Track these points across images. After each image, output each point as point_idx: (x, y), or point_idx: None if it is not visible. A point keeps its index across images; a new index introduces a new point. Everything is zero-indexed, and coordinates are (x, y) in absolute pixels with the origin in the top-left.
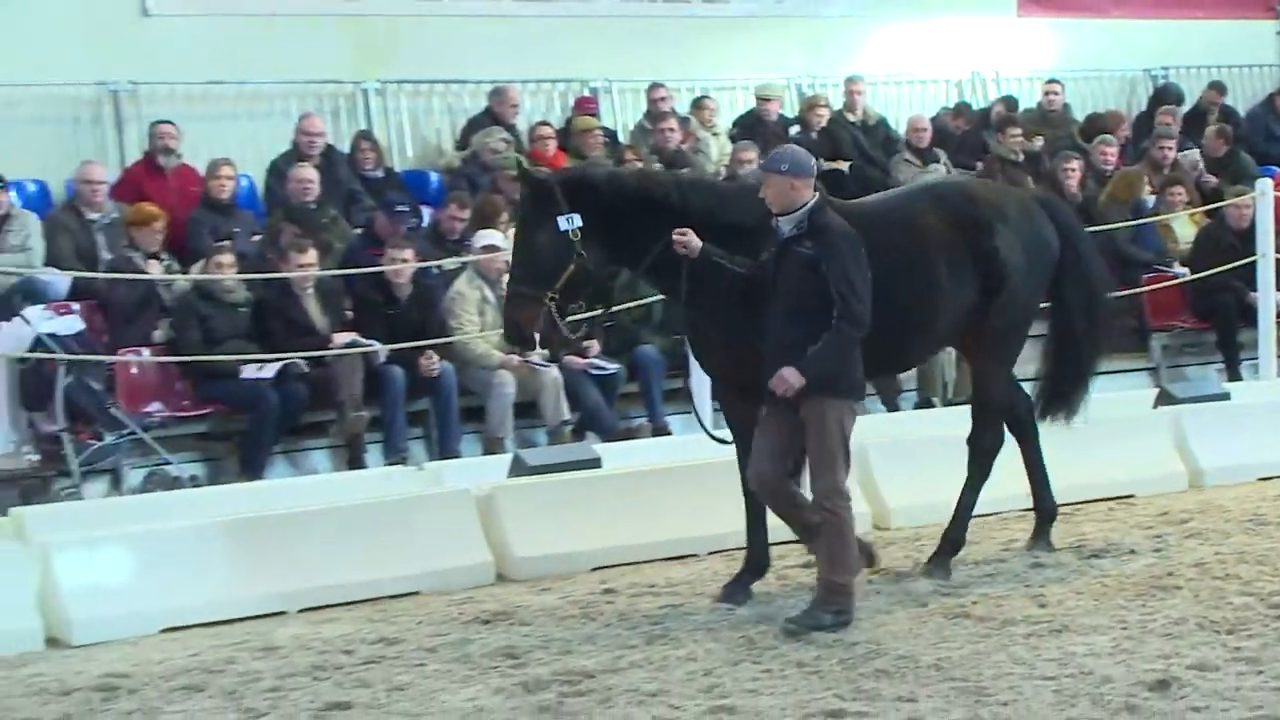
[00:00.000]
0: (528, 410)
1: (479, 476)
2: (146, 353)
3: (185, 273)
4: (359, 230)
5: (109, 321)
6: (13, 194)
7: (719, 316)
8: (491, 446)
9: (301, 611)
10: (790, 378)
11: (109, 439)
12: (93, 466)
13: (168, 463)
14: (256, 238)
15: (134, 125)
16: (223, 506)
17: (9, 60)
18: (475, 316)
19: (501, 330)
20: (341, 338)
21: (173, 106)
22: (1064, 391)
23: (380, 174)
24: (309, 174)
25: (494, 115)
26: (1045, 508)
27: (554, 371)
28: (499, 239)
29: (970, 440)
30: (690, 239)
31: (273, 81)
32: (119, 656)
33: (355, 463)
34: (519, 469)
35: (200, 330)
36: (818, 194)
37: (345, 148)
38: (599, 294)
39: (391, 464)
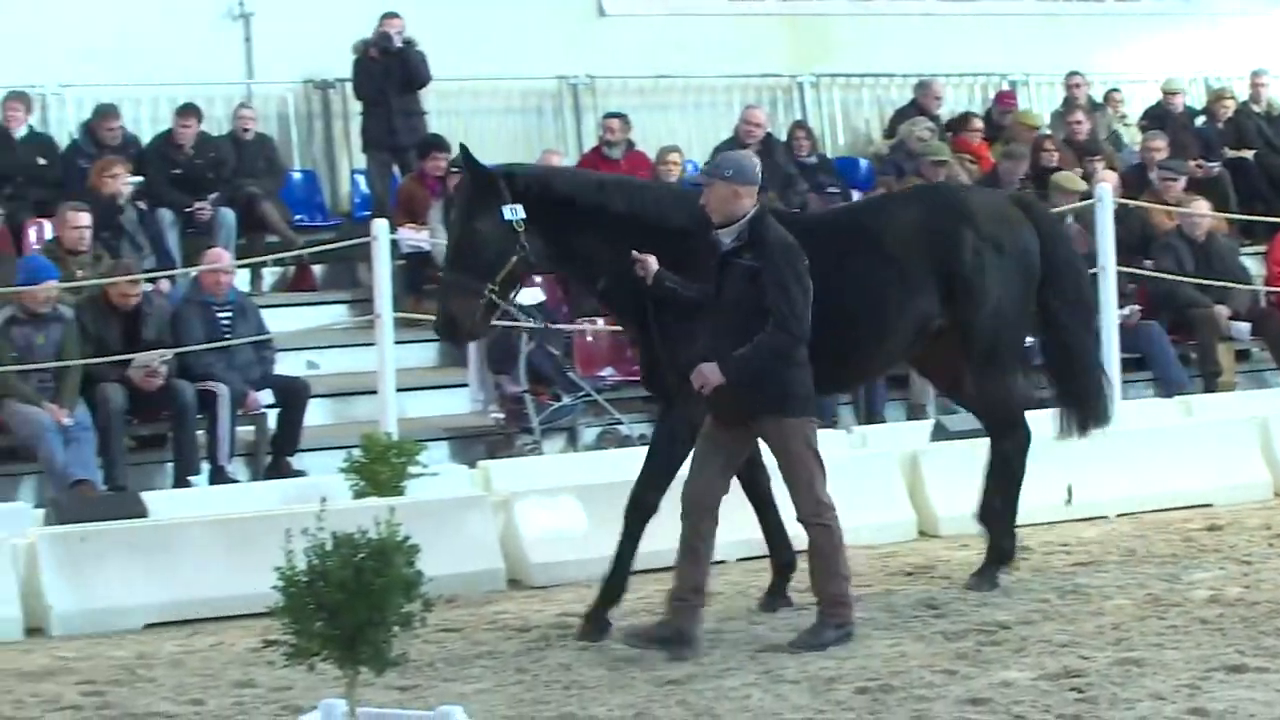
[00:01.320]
0: None
1: (903, 440)
2: (601, 322)
3: None
4: (795, 212)
5: (568, 294)
6: None
7: (670, 336)
8: (915, 413)
9: (739, 560)
10: (709, 374)
11: (566, 400)
12: (551, 425)
13: (619, 422)
14: None
15: (590, 116)
16: None
17: (479, 56)
18: None
19: None
20: None
21: (625, 99)
22: (1083, 400)
23: (814, 160)
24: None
25: (919, 106)
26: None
27: None
28: None
29: (992, 448)
30: (649, 262)
31: (716, 75)
32: (574, 598)
33: None
34: (940, 434)
35: None
36: (759, 204)
37: (782, 136)
38: None
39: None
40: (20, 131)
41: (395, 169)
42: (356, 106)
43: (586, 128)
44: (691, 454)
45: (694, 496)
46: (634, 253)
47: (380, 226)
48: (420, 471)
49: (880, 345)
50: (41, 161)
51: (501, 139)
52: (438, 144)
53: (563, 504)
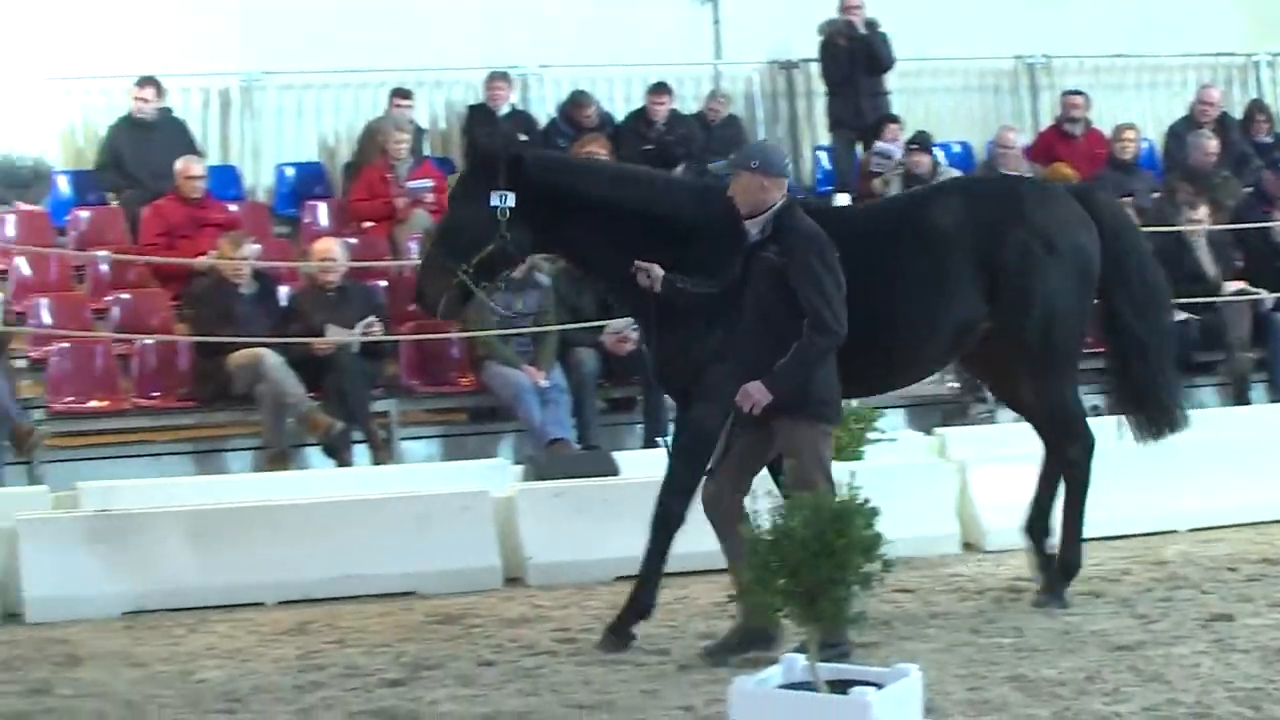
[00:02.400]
0: None
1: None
2: None
3: None
4: (1249, 189)
5: None
6: (939, 153)
7: (679, 334)
8: None
9: (1190, 531)
10: (755, 394)
11: None
12: None
13: None
14: (1155, 195)
15: (1046, 94)
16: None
17: (937, 37)
18: None
19: None
20: (1231, 286)
21: (1081, 77)
22: (1147, 408)
23: (1270, 140)
24: (1211, 142)
25: None
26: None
27: None
28: None
29: (1058, 458)
30: (653, 270)
31: (1172, 54)
32: (1025, 563)
33: (1241, 399)
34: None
35: None
36: (787, 196)
37: (1236, 114)
38: None
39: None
40: (503, 109)
41: (859, 147)
42: (819, 86)
43: (1043, 106)
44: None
45: (711, 502)
46: (636, 262)
47: (843, 201)
48: (879, 437)
49: (916, 348)
50: (523, 138)
51: (959, 117)
52: (891, 118)
53: (1016, 472)
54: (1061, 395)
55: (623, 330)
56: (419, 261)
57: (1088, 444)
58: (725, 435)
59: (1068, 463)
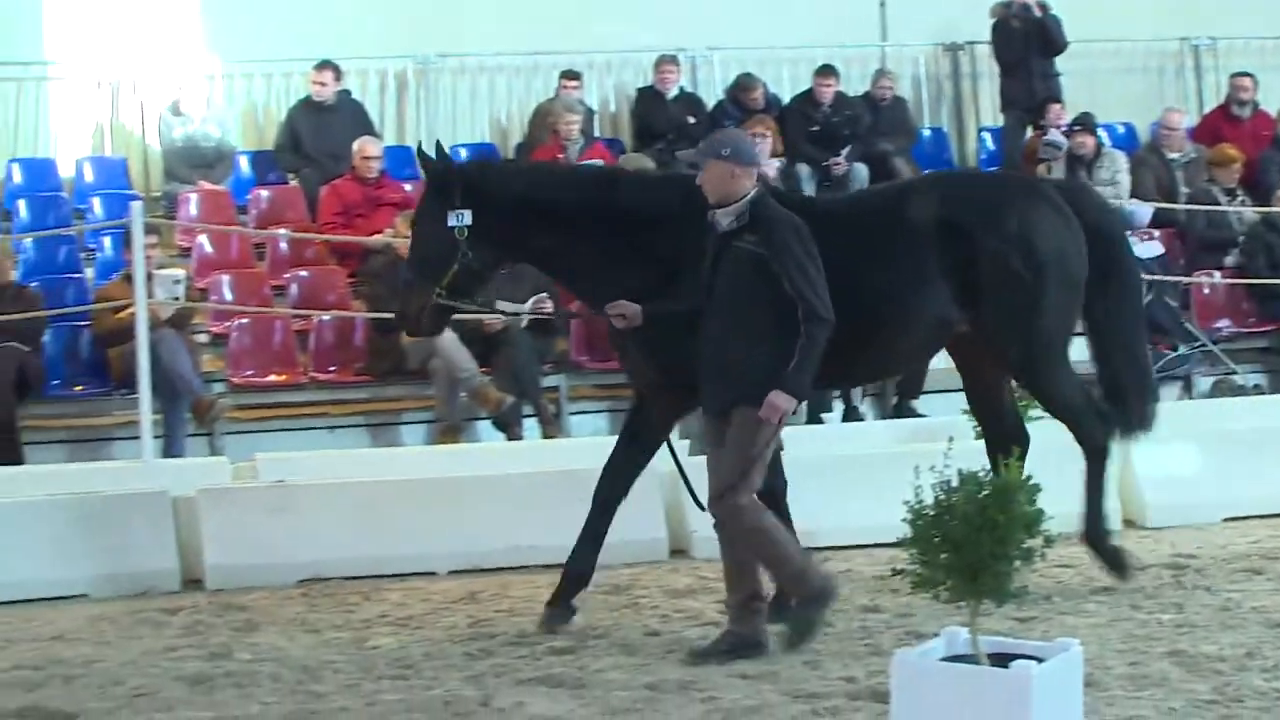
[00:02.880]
0: None
1: None
2: (1218, 275)
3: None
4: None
5: (1185, 247)
6: (1103, 134)
7: (644, 334)
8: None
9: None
10: (781, 403)
11: (1182, 349)
12: (1168, 374)
13: (1233, 372)
14: None
15: (1211, 75)
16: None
17: (1103, 18)
18: None
19: None
20: None
21: (1246, 59)
22: (1126, 404)
23: None
24: None
25: None
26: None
27: None
28: None
29: (1080, 443)
30: (628, 311)
31: None
32: (1186, 539)
33: None
34: None
35: (1266, 257)
36: (759, 185)
37: None
38: None
39: None
40: (672, 92)
41: (1029, 129)
42: (984, 68)
43: (1206, 87)
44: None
45: (752, 509)
46: (606, 309)
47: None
48: (1038, 416)
49: (889, 344)
50: (690, 120)
51: (1126, 98)
52: (1054, 98)
53: (1178, 450)
54: (1057, 394)
55: None
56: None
57: (1101, 431)
58: (708, 442)
59: (1091, 449)
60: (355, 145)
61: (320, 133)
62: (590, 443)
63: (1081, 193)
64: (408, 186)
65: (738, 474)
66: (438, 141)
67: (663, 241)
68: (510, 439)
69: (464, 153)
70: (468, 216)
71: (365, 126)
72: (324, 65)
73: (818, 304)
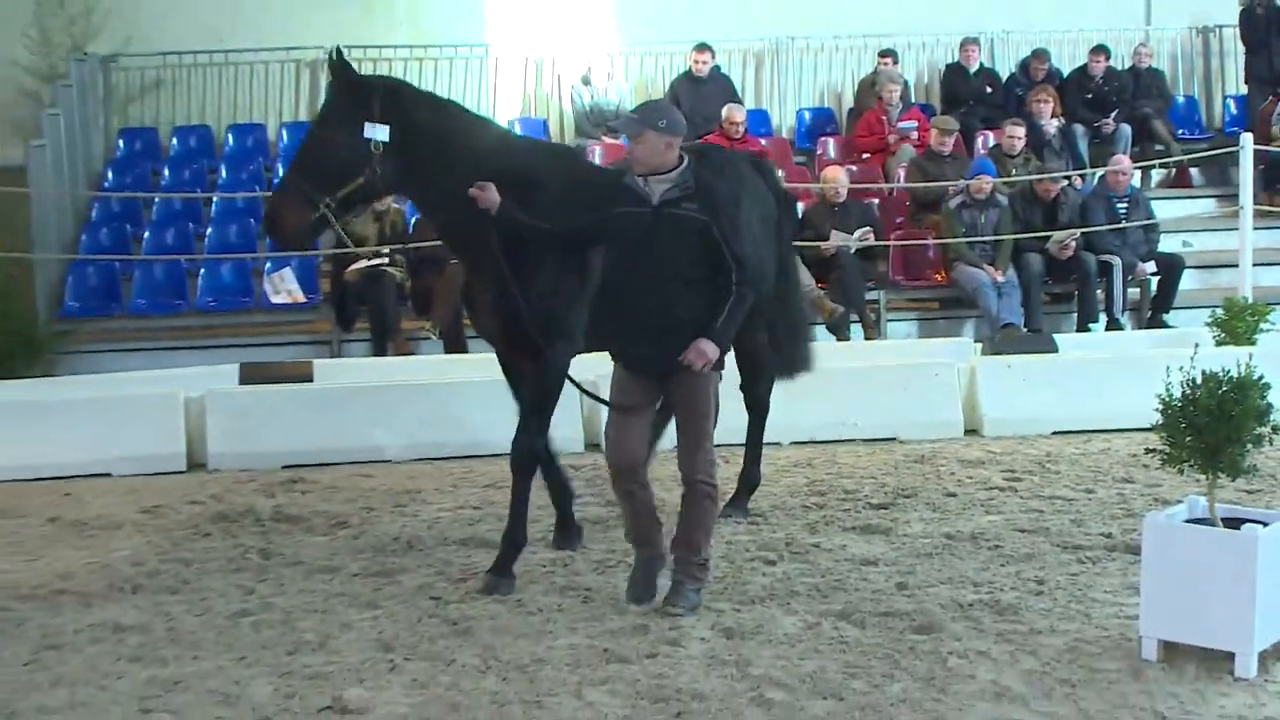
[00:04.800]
0: None
1: None
2: None
3: None
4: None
5: None
6: None
7: (528, 281)
8: None
9: None
10: (709, 351)
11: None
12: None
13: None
14: None
15: None
16: None
17: None
18: None
19: None
20: None
21: None
22: (792, 351)
23: None
24: None
25: None
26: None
27: None
28: None
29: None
30: (490, 193)
31: None
32: None
33: None
34: None
35: None
36: (687, 155)
37: None
38: None
39: None
40: (974, 67)
41: (1268, 99)
42: (1230, 47)
43: None
44: (608, 417)
45: (621, 461)
46: (474, 185)
47: (1246, 139)
48: (1269, 328)
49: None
50: (988, 90)
51: None
52: None
53: None
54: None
55: (1065, 240)
56: (276, 190)
57: (769, 382)
58: (617, 392)
59: (753, 397)
60: (724, 111)
61: (696, 100)
62: (903, 344)
63: (763, 163)
64: (763, 142)
65: (705, 434)
66: (337, 48)
67: (540, 200)
68: (839, 340)
69: (807, 115)
70: (385, 132)
71: (732, 95)
72: (703, 47)
73: (753, 267)
